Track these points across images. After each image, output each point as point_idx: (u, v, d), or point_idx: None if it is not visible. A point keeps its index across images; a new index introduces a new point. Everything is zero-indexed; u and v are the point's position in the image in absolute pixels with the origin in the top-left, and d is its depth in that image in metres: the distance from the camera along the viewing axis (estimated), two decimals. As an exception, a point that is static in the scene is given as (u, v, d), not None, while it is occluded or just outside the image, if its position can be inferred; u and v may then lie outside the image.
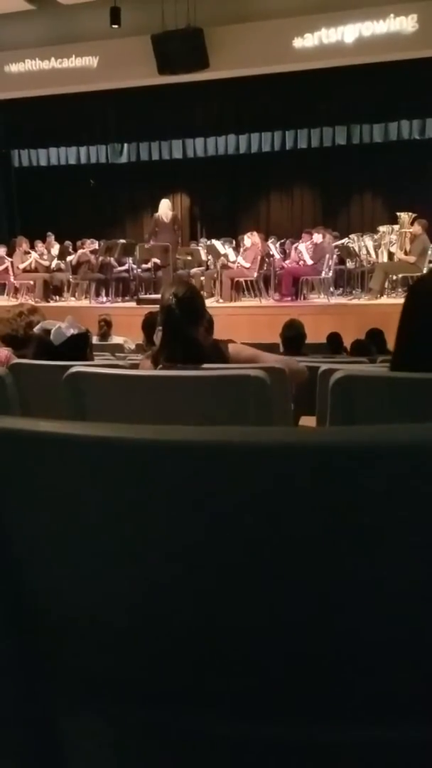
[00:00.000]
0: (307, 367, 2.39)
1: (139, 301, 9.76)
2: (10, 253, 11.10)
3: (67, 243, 11.58)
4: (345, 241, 10.48)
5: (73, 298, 10.74)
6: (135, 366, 2.47)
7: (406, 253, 9.04)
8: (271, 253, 10.21)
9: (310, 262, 9.48)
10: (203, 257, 10.67)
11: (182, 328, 2.10)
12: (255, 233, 10.05)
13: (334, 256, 9.75)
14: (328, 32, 10.19)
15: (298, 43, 10.31)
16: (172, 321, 2.11)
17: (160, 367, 2.10)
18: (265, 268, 10.07)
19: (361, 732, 0.56)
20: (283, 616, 0.54)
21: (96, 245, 10.88)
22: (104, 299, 10.33)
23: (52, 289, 10.87)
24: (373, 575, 0.52)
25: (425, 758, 0.57)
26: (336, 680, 0.55)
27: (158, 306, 2.23)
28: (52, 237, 11.52)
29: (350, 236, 10.54)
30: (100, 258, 10.48)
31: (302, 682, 0.56)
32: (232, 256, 9.93)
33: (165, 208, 10.48)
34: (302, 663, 0.55)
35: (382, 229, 9.99)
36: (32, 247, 11.17)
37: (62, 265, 11.06)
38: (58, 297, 10.92)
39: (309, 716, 0.57)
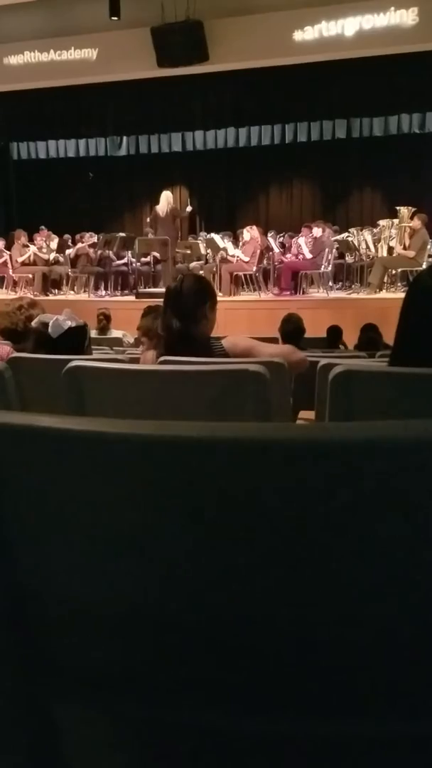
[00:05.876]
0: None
1: (138, 295, 9.73)
2: (8, 246, 11.07)
3: (66, 236, 11.55)
4: (344, 235, 10.48)
5: (72, 292, 10.72)
6: (134, 360, 2.46)
7: (405, 248, 9.02)
8: (271, 247, 10.19)
9: (309, 256, 9.47)
10: (202, 251, 10.64)
11: (190, 310, 2.11)
12: (254, 227, 10.04)
13: (334, 251, 9.75)
14: (328, 25, 10.17)
15: (298, 36, 10.28)
16: (174, 302, 2.11)
17: (161, 360, 2.10)
18: (264, 262, 10.05)
19: (362, 726, 0.56)
20: (283, 610, 0.54)
21: (95, 238, 10.86)
22: (103, 293, 10.31)
23: (51, 283, 10.85)
24: (370, 569, 0.52)
25: (427, 753, 0.57)
26: (337, 674, 0.56)
27: (157, 300, 2.24)
28: (45, 229, 11.48)
29: (350, 230, 10.53)
30: (99, 251, 10.46)
31: (303, 676, 0.56)
32: (231, 249, 9.91)
33: (163, 201, 10.30)
34: (303, 657, 0.55)
35: (381, 223, 9.97)
36: (31, 240, 11.14)
37: (61, 259, 11.04)
38: (56, 290, 10.90)
39: (310, 710, 0.57)
